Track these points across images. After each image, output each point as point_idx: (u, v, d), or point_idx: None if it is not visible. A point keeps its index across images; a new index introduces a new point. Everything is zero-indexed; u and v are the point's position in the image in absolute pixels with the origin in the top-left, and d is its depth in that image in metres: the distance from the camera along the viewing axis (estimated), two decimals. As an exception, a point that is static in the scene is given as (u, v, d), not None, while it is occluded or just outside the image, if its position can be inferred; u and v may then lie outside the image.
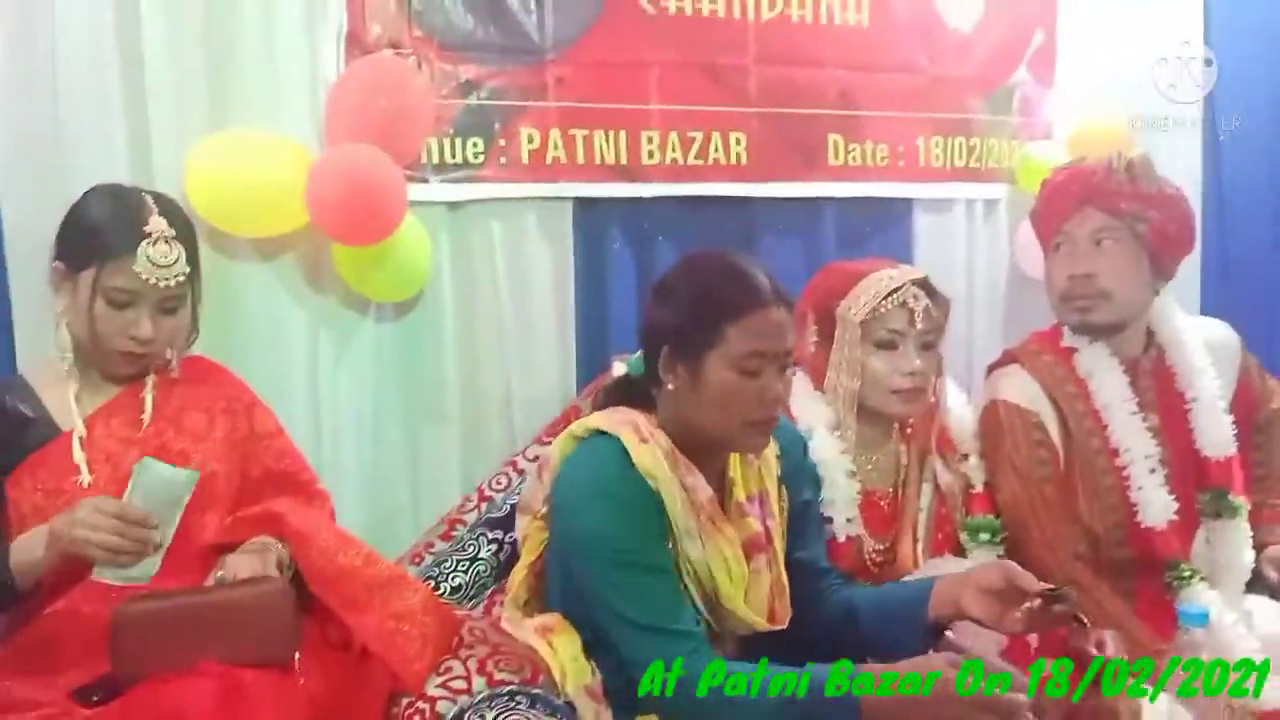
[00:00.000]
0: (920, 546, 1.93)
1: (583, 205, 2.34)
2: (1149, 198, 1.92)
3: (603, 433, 1.59)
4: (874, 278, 1.90)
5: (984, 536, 1.95)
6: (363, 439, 2.19)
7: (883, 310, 1.88)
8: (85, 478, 1.61)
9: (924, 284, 1.91)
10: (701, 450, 1.61)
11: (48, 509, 1.58)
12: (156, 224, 1.62)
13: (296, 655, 1.55)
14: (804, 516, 1.76)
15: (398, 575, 1.69)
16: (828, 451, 1.89)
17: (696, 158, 2.42)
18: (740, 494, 1.65)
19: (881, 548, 1.93)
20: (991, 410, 1.98)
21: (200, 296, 1.74)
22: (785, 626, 1.64)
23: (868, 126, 2.61)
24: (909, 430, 2.01)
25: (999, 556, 1.93)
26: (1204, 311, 2.74)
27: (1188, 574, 1.86)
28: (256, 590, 1.54)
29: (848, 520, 1.88)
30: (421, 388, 2.24)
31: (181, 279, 1.64)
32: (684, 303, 1.58)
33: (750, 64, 2.45)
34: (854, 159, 2.60)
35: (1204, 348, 1.99)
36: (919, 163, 2.67)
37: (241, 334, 2.05)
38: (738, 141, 2.46)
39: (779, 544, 1.68)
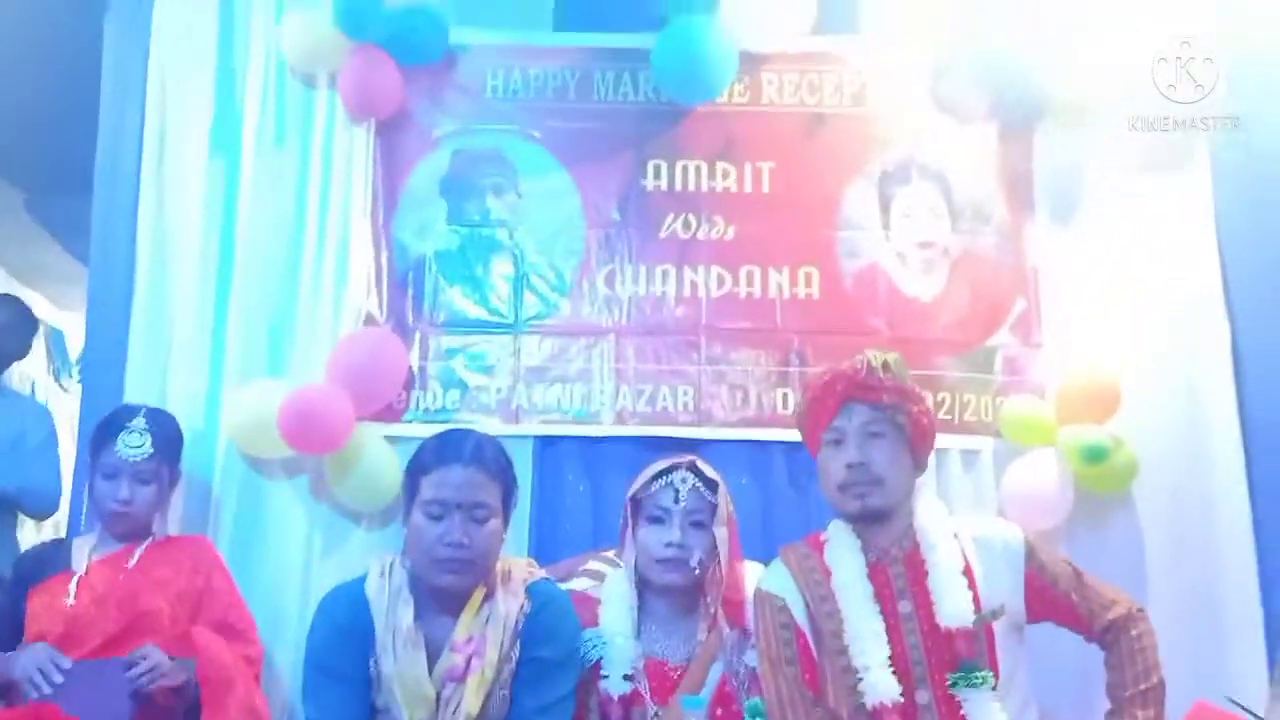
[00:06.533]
0: (691, 720, 2.08)
1: (544, 441, 2.87)
2: (906, 392, 2.10)
3: None
4: (655, 465, 2.24)
5: None
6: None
7: (653, 489, 2.20)
8: (70, 600, 2.34)
9: (694, 468, 2.21)
10: (431, 588, 2.01)
11: (41, 617, 2.31)
12: (136, 423, 2.43)
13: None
14: (531, 670, 2.02)
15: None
16: (609, 617, 2.19)
17: (645, 405, 2.88)
18: (461, 632, 1.99)
19: (662, 714, 2.11)
20: (754, 600, 2.14)
21: (174, 481, 2.50)
22: None
23: (820, 380, 2.91)
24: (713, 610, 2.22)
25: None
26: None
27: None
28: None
29: (624, 678, 2.11)
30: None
31: (145, 459, 2.40)
32: (407, 466, 2.06)
33: (700, 332, 2.92)
34: (805, 409, 2.89)
35: (961, 538, 2.05)
36: (875, 412, 2.89)
37: (260, 532, 2.77)
38: (685, 393, 2.89)
39: (480, 682, 1.96)
